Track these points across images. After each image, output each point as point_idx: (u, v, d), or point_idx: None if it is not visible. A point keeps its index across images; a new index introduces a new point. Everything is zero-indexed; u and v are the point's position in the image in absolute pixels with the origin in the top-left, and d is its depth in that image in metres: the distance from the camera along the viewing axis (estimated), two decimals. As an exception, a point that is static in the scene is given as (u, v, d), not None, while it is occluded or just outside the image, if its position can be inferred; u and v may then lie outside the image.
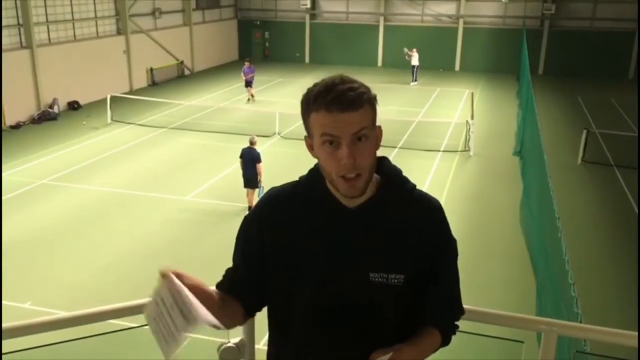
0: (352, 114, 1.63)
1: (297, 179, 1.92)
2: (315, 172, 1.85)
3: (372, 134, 1.70)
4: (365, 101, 1.66)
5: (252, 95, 23.82)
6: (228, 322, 1.88)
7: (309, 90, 1.70)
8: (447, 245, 1.87)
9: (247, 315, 1.96)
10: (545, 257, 8.26)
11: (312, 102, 1.67)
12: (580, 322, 5.10)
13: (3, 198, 13.21)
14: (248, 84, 23.59)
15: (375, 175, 1.79)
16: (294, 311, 1.84)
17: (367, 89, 1.69)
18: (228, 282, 1.94)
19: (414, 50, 28.24)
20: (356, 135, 1.65)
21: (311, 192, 1.83)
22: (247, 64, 23.92)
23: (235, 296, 1.91)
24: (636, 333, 2.07)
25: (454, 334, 1.96)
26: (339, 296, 1.78)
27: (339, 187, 1.72)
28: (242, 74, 23.99)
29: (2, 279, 9.33)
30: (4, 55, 19.74)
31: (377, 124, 1.74)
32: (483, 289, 9.41)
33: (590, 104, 24.08)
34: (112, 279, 9.78)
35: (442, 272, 1.86)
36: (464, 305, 2.08)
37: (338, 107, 1.62)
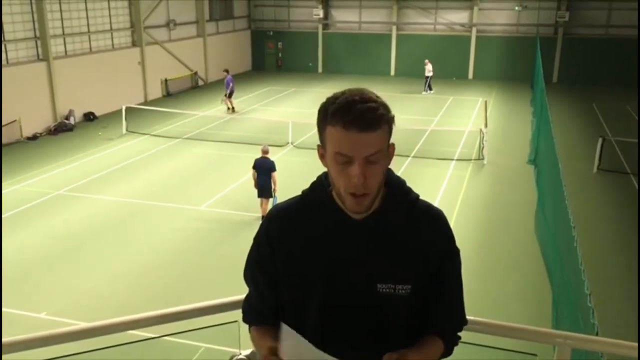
0: (369, 135, 1.63)
1: (299, 193, 1.93)
2: (318, 184, 1.87)
3: (384, 154, 1.71)
4: (383, 123, 1.66)
5: (230, 106, 23.78)
6: None
7: (329, 102, 1.69)
8: (451, 255, 1.88)
9: None
10: (560, 267, 8.17)
11: (330, 117, 1.66)
12: (597, 333, 5.03)
13: (20, 208, 13.38)
14: (230, 94, 23.69)
15: None
16: (304, 322, 1.86)
17: (387, 109, 1.69)
18: (261, 314, 1.95)
19: (427, 61, 28.24)
20: (370, 156, 1.65)
21: (316, 205, 1.85)
22: (226, 73, 23.91)
23: (272, 324, 1.92)
24: None
25: (456, 344, 1.97)
26: (348, 307, 1.81)
27: (346, 203, 1.74)
28: (229, 84, 23.89)
29: (1, 290, 9.44)
30: (21, 67, 20.07)
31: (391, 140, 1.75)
32: (498, 300, 9.32)
33: (605, 112, 23.86)
34: (126, 288, 9.84)
35: (446, 281, 1.88)
36: (477, 317, 2.07)
37: (356, 128, 1.62)
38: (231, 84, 23.82)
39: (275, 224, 1.90)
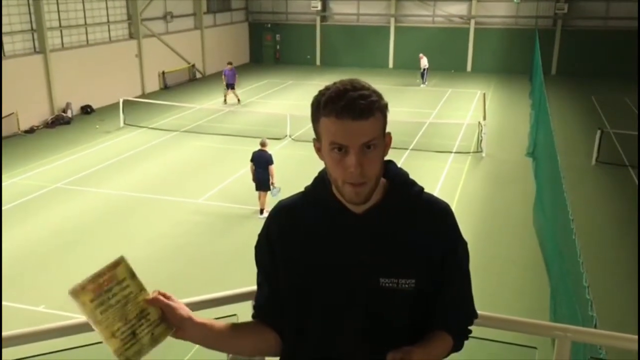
0: (363, 123, 1.61)
1: (303, 189, 1.91)
2: (320, 180, 1.85)
3: (381, 142, 1.68)
4: (376, 110, 1.64)
5: (239, 99, 24.00)
6: (255, 350, 1.93)
7: (320, 94, 1.68)
8: (457, 248, 1.84)
9: (283, 338, 1.91)
10: (559, 260, 8.18)
11: (322, 108, 1.64)
12: (596, 326, 5.03)
13: (18, 202, 13.35)
14: (230, 86, 23.88)
15: (382, 179, 1.78)
16: (307, 319, 1.84)
17: (379, 97, 1.66)
18: (256, 309, 1.94)
19: (421, 55, 28.24)
20: (365, 144, 1.63)
21: (317, 200, 1.83)
22: (229, 66, 24.16)
23: (265, 320, 1.90)
24: None
25: (467, 339, 1.93)
26: (351, 302, 1.78)
27: (345, 193, 1.71)
28: (223, 75, 24.17)
29: (1, 284, 9.42)
30: (18, 60, 19.98)
31: (388, 128, 1.73)
32: (496, 293, 9.34)
33: (604, 104, 23.85)
34: (125, 282, 9.82)
35: (452, 275, 1.84)
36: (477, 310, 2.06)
37: (349, 116, 1.60)
38: (235, 76, 23.94)
39: (277, 221, 1.88)
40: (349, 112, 1.60)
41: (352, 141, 1.62)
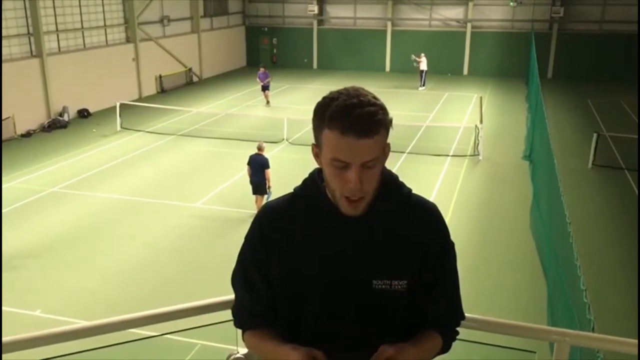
0: (367, 141, 1.61)
1: (291, 190, 1.91)
2: (311, 181, 1.85)
3: (382, 158, 1.69)
4: (381, 127, 1.64)
5: (268, 100, 24.45)
6: None
7: (326, 103, 1.65)
8: (446, 249, 1.87)
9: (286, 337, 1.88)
10: (556, 263, 8.19)
11: (327, 119, 1.63)
12: (593, 329, 5.04)
13: (14, 206, 13.30)
14: (265, 88, 24.37)
15: None
16: (300, 319, 1.84)
17: (385, 113, 1.66)
18: (259, 316, 1.89)
19: (422, 55, 28.29)
20: (367, 163, 1.64)
21: (309, 201, 1.82)
22: (262, 69, 24.72)
23: (271, 325, 1.88)
24: None
25: (454, 340, 1.96)
26: (344, 304, 1.79)
27: (341, 206, 1.72)
28: (257, 79, 24.72)
29: (1, 287, 9.38)
30: (14, 64, 19.93)
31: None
32: (493, 296, 9.34)
33: (600, 107, 23.92)
34: (121, 286, 9.80)
35: (442, 275, 1.86)
36: (474, 315, 2.06)
37: (354, 134, 1.59)
38: (266, 79, 24.39)
39: (266, 221, 1.87)
40: (354, 130, 1.59)
41: (355, 159, 1.62)
